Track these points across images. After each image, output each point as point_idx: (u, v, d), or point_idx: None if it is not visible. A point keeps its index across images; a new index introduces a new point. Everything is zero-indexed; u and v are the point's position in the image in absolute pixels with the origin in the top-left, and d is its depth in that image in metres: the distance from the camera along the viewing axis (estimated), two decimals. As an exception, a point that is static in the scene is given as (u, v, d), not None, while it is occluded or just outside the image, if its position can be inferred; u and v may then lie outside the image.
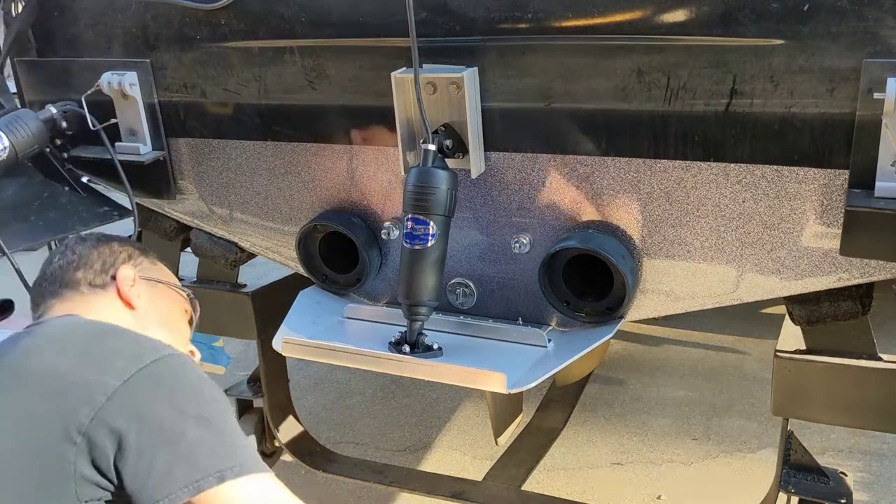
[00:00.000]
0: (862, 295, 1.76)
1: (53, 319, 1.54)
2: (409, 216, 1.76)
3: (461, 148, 1.81)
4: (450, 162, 1.80)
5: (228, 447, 1.35)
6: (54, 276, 1.61)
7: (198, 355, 1.79)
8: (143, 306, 1.63)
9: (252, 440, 2.89)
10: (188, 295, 1.78)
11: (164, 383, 1.35)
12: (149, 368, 1.34)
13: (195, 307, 1.81)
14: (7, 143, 2.02)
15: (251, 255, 2.41)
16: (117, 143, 2.20)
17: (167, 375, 1.36)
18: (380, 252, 2.10)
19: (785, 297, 1.79)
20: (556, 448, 3.07)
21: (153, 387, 1.33)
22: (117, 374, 1.32)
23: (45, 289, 1.61)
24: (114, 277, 1.61)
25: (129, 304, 1.61)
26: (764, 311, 4.00)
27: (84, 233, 1.75)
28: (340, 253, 2.15)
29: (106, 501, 1.31)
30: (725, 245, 1.74)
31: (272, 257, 2.29)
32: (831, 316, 1.79)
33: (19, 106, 2.30)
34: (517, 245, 1.90)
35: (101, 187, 2.36)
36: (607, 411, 3.61)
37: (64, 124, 2.18)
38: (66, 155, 2.28)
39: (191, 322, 1.80)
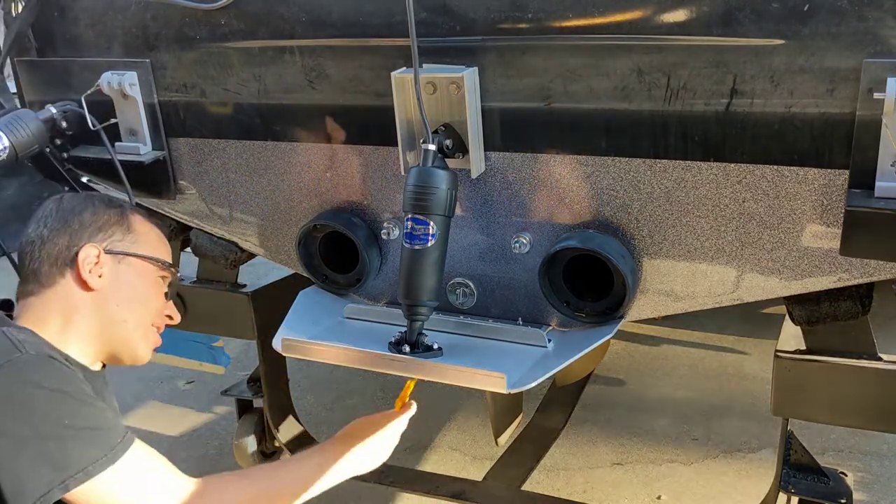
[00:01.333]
0: (862, 295, 1.76)
1: None
2: (409, 216, 1.76)
3: (461, 148, 1.81)
4: (450, 162, 1.80)
5: (69, 453, 1.37)
6: (25, 255, 1.62)
7: (176, 318, 1.78)
8: (105, 285, 1.61)
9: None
10: (161, 263, 1.71)
11: None
12: None
13: (172, 275, 1.75)
14: (7, 143, 2.02)
15: (251, 255, 2.41)
16: (117, 143, 2.20)
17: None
18: (380, 252, 2.10)
19: (785, 297, 1.79)
20: (556, 448, 3.07)
21: None
22: None
23: (23, 270, 1.62)
24: (76, 256, 1.59)
25: (86, 287, 1.59)
26: (764, 311, 4.00)
27: (68, 195, 1.71)
28: (340, 253, 2.15)
29: None
30: (725, 245, 1.74)
31: (272, 257, 2.29)
32: (831, 316, 1.79)
33: (19, 106, 2.30)
34: (517, 245, 1.90)
35: (101, 187, 2.36)
36: (607, 411, 3.61)
37: (64, 124, 2.17)
38: (66, 155, 2.27)
39: (168, 289, 1.76)
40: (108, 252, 1.62)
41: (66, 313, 1.58)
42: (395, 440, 1.90)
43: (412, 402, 1.96)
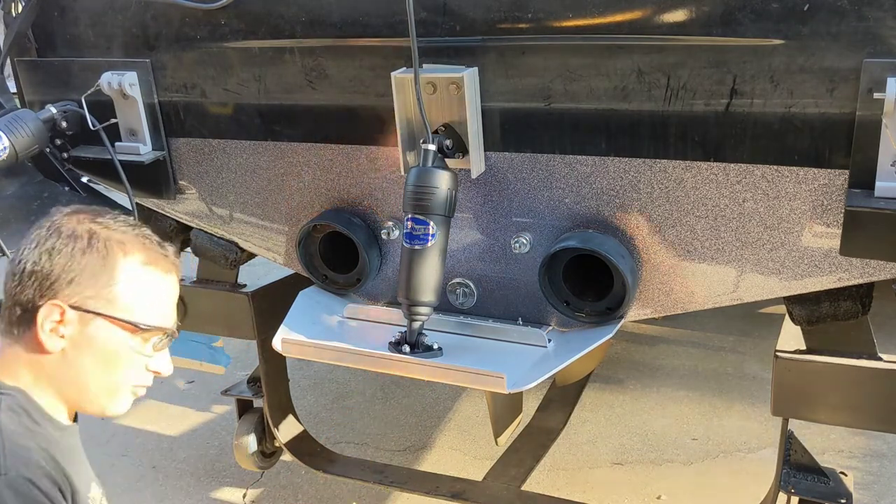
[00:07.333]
0: (862, 295, 1.76)
1: None
2: (409, 216, 1.76)
3: (461, 148, 1.81)
4: (450, 162, 1.80)
5: None
6: (9, 282, 1.41)
7: (167, 371, 1.48)
8: (69, 347, 1.38)
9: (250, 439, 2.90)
10: (140, 326, 1.40)
11: None
12: None
13: (161, 332, 1.44)
14: (7, 143, 2.02)
15: (251, 255, 2.41)
16: (117, 143, 2.20)
17: None
18: (380, 252, 2.10)
19: (785, 297, 1.79)
20: (556, 448, 3.07)
21: None
22: None
23: (5, 300, 1.42)
24: (36, 312, 1.35)
25: (43, 350, 1.37)
26: (764, 311, 4.00)
27: (71, 210, 1.48)
28: (340, 253, 2.15)
29: None
30: (725, 245, 1.74)
31: (272, 257, 2.29)
32: (831, 316, 1.79)
33: (19, 106, 2.30)
34: (517, 245, 1.90)
35: (101, 187, 2.37)
36: (607, 411, 3.61)
37: (64, 124, 2.18)
38: (66, 155, 2.28)
39: (158, 342, 1.45)
40: (75, 308, 1.36)
41: (34, 369, 1.40)
42: None
43: None
